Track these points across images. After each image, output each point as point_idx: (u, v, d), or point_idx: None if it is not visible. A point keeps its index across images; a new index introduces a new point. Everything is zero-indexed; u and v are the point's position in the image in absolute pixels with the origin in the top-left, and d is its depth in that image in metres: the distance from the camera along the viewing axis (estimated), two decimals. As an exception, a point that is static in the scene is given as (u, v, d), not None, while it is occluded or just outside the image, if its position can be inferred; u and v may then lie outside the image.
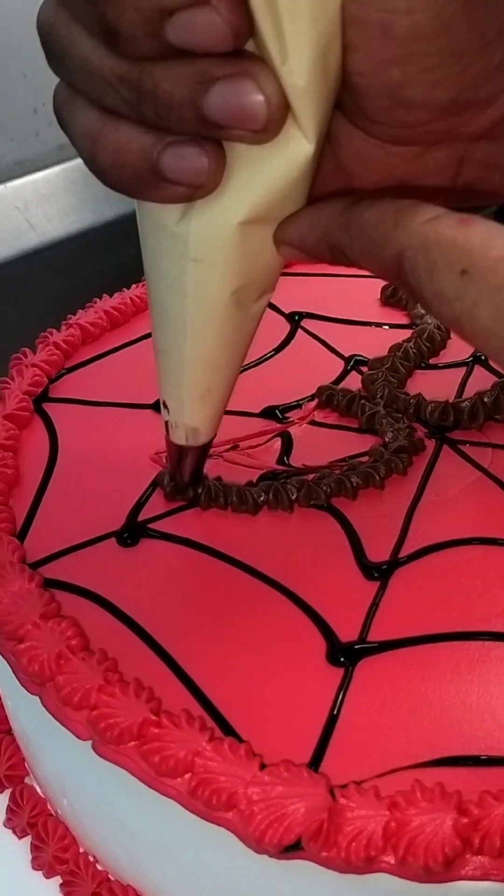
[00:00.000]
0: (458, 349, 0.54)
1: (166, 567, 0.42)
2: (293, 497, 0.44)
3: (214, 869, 0.35)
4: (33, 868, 0.44)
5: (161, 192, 0.29)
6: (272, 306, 0.57)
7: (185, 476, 0.40)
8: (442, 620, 0.38)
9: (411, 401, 0.49)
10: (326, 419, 0.50)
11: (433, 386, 0.51)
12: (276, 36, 0.26)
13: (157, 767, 0.33)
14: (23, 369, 0.54)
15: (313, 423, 0.49)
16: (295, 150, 0.28)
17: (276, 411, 0.50)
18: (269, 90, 0.26)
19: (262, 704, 0.36)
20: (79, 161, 0.30)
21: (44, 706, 0.37)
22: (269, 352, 0.54)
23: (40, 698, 0.37)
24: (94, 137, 0.28)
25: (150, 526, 0.44)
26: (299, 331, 0.56)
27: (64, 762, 0.41)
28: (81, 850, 0.43)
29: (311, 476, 0.45)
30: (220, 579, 0.41)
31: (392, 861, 0.31)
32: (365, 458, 0.46)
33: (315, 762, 0.33)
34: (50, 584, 0.41)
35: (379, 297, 0.58)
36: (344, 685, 0.36)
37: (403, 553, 0.41)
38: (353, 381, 0.51)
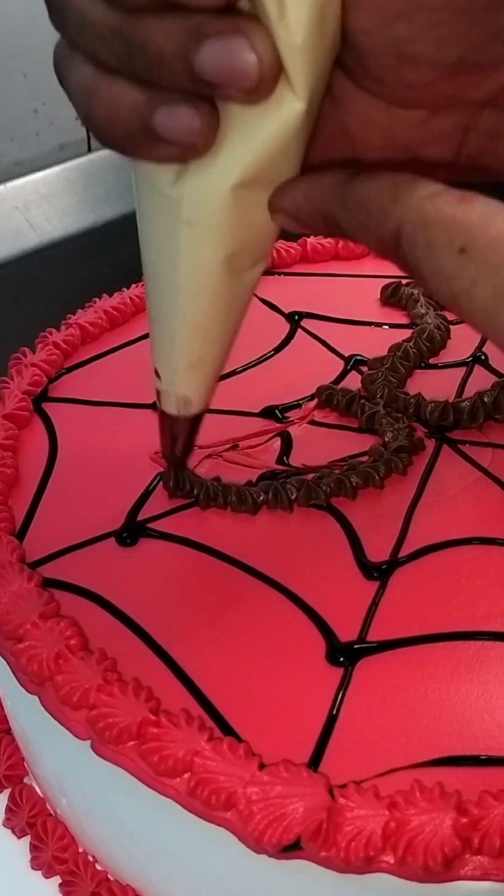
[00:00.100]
0: (457, 349, 0.54)
1: (165, 567, 0.42)
2: (293, 497, 0.44)
3: (213, 869, 0.35)
4: (32, 868, 0.44)
5: (153, 150, 0.28)
6: (272, 306, 0.58)
7: (176, 448, 0.39)
8: (441, 620, 0.38)
9: (411, 400, 0.49)
10: (326, 419, 0.50)
11: (433, 386, 0.51)
12: None
13: (156, 767, 0.33)
14: (22, 369, 0.54)
15: (313, 422, 0.49)
16: (287, 111, 0.28)
17: (276, 411, 0.50)
18: (261, 49, 0.26)
19: (262, 704, 0.36)
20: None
21: (43, 706, 0.37)
22: (269, 351, 0.54)
23: (39, 698, 0.37)
24: (89, 93, 0.28)
25: (150, 526, 0.44)
26: (299, 330, 0.56)
27: (63, 762, 0.41)
28: (80, 850, 0.43)
29: (310, 476, 0.45)
30: (220, 579, 0.41)
31: (391, 861, 0.31)
32: (365, 458, 0.46)
33: (314, 762, 0.33)
34: (49, 583, 0.41)
35: (379, 297, 0.58)
36: (343, 685, 0.36)
37: (403, 553, 0.41)
38: (353, 381, 0.51)
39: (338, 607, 0.39)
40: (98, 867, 0.42)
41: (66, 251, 0.97)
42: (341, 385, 0.51)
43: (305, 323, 0.57)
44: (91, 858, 0.43)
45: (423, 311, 0.56)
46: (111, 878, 0.42)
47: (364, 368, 0.52)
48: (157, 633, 0.38)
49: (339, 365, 0.53)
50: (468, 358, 0.53)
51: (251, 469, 0.46)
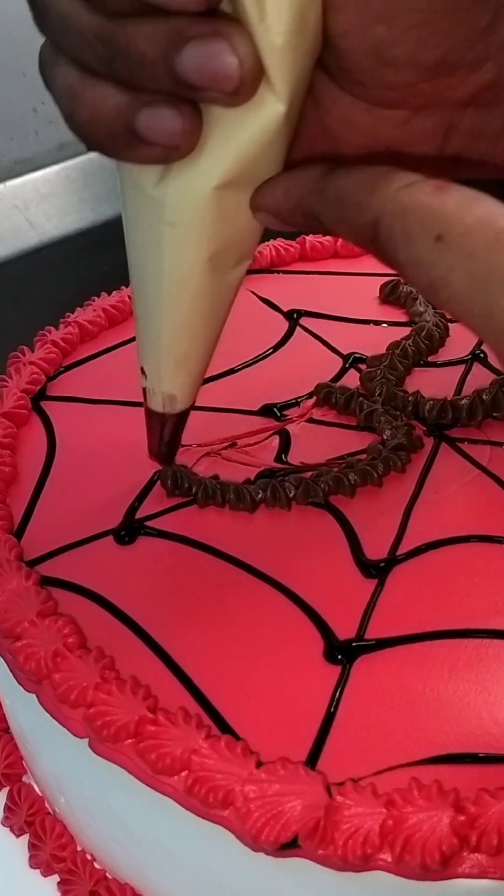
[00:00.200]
0: (456, 347, 0.54)
1: (163, 565, 0.42)
2: (291, 495, 0.44)
3: (211, 867, 0.35)
4: (31, 866, 0.44)
5: (136, 152, 0.28)
6: (271, 304, 0.58)
7: (162, 444, 0.40)
8: (440, 618, 0.38)
9: (410, 398, 0.49)
10: (325, 417, 0.49)
11: (432, 383, 0.51)
12: None
13: (154, 765, 0.33)
14: (21, 367, 0.54)
15: (311, 420, 0.49)
16: (269, 112, 0.28)
17: (275, 409, 0.50)
18: (242, 52, 0.26)
19: (259, 702, 0.36)
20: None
21: (40, 704, 0.37)
22: (268, 349, 0.54)
23: (37, 696, 0.37)
24: (72, 95, 0.28)
25: (148, 524, 0.44)
26: (298, 328, 0.56)
27: (61, 760, 0.40)
28: (79, 849, 0.43)
29: (309, 474, 0.45)
30: (218, 577, 0.41)
31: (389, 859, 0.31)
32: (363, 456, 0.46)
33: (312, 760, 0.33)
34: (47, 581, 0.41)
35: (377, 295, 0.58)
36: (341, 683, 0.36)
37: (401, 551, 0.41)
38: (352, 379, 0.51)
39: (336, 605, 0.39)
40: (96, 865, 0.42)
41: (65, 250, 0.97)
42: (340, 383, 0.51)
43: (304, 321, 0.57)
44: (89, 857, 0.43)
45: (421, 308, 0.56)
46: (109, 877, 0.42)
47: (363, 366, 0.52)
48: (155, 631, 0.38)
49: (338, 363, 0.53)
50: (467, 356, 0.53)
51: (249, 467, 0.46)
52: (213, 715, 0.35)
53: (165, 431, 0.39)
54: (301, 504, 0.44)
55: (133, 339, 0.56)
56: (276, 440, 0.48)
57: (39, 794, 0.46)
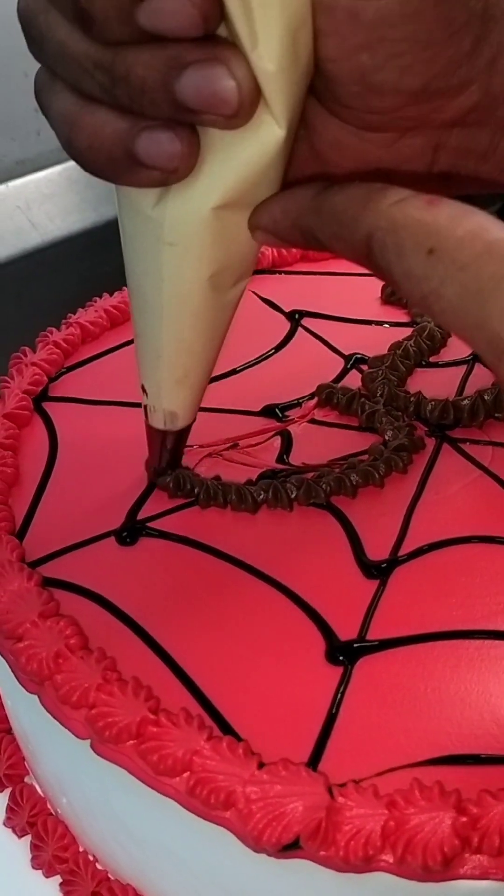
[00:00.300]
0: (458, 347, 0.54)
1: (165, 566, 0.42)
2: (293, 495, 0.44)
3: (213, 868, 0.35)
4: (33, 867, 0.44)
5: (136, 176, 0.29)
6: (272, 305, 0.58)
7: (163, 460, 0.40)
8: (441, 619, 0.38)
9: (411, 399, 0.49)
10: (326, 417, 0.49)
11: (433, 384, 0.50)
12: (246, 21, 0.26)
13: (156, 766, 0.33)
14: (23, 368, 0.54)
15: (313, 421, 0.49)
16: (266, 135, 0.28)
17: (276, 410, 0.50)
18: (240, 75, 0.26)
19: (261, 703, 0.36)
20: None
21: (42, 705, 0.37)
22: (269, 350, 0.54)
23: (39, 697, 0.37)
24: (71, 121, 0.29)
25: (150, 525, 0.44)
26: (299, 329, 0.56)
27: (63, 761, 0.40)
28: (81, 850, 0.43)
29: (310, 474, 0.45)
30: (220, 578, 0.41)
31: (391, 860, 0.31)
32: (365, 457, 0.46)
33: (313, 761, 0.33)
34: (49, 582, 0.41)
35: (379, 295, 0.58)
36: (343, 684, 0.36)
37: (403, 551, 0.41)
38: (354, 380, 0.51)
39: (337, 606, 0.39)
40: (98, 866, 0.42)
41: (67, 250, 0.97)
42: (341, 384, 0.51)
43: (306, 321, 0.57)
44: (91, 858, 0.43)
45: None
46: (111, 878, 0.42)
47: (364, 367, 0.52)
48: (157, 632, 0.38)
49: (340, 363, 0.53)
50: (469, 356, 0.53)
51: (251, 468, 0.46)
52: (214, 716, 0.35)
53: (166, 447, 0.39)
54: (303, 505, 0.44)
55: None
56: (277, 441, 0.48)
57: (41, 795, 0.46)
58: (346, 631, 0.38)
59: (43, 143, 1.00)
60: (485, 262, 0.25)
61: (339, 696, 0.36)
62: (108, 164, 0.29)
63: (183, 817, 0.33)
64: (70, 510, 0.45)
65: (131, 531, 0.43)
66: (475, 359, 0.53)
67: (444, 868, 0.30)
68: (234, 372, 0.52)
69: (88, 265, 0.93)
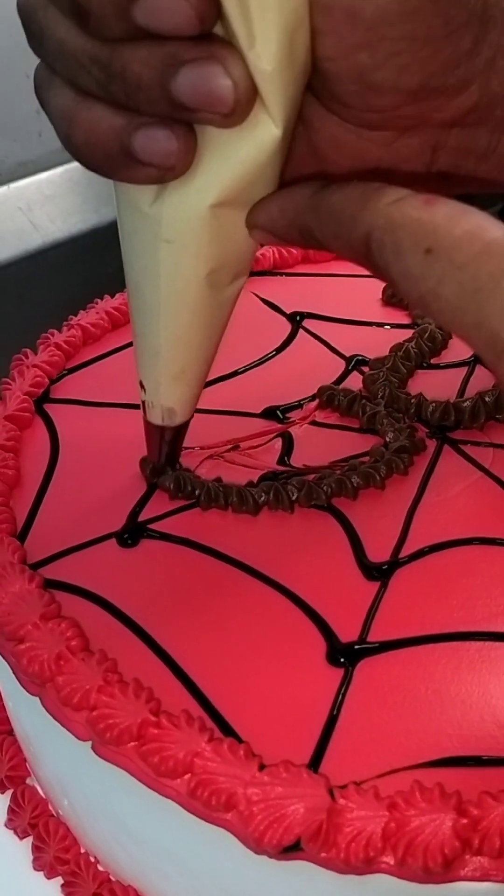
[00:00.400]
0: (459, 349, 0.54)
1: (166, 567, 0.42)
2: (294, 497, 0.44)
3: (214, 869, 0.35)
4: (34, 869, 0.44)
5: (132, 172, 0.29)
6: (273, 306, 0.58)
7: (161, 456, 0.40)
8: (442, 621, 0.38)
9: (412, 401, 0.49)
10: (327, 419, 0.49)
11: (434, 386, 0.51)
12: (244, 20, 0.26)
13: (157, 768, 0.33)
14: (24, 370, 0.54)
15: (314, 423, 0.49)
16: (263, 133, 0.29)
17: (277, 411, 0.50)
18: (236, 74, 0.27)
19: (262, 705, 0.36)
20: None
21: (44, 707, 0.37)
22: (271, 352, 0.54)
23: (40, 699, 0.37)
24: (69, 117, 0.29)
25: (151, 526, 0.44)
26: (300, 331, 0.56)
27: (64, 763, 0.41)
28: (82, 851, 0.43)
29: (311, 476, 0.45)
30: (221, 580, 0.41)
31: (391, 862, 0.31)
32: (366, 459, 0.46)
33: (314, 763, 0.33)
34: (50, 584, 0.41)
35: (380, 296, 0.58)
36: (344, 685, 0.36)
37: (404, 553, 0.41)
38: (355, 381, 0.51)
39: (338, 608, 0.39)
40: (100, 868, 0.42)
41: (69, 252, 0.97)
42: (342, 385, 0.51)
43: (307, 323, 0.57)
44: (93, 859, 0.43)
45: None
46: (113, 879, 0.42)
47: (365, 369, 0.52)
48: (158, 634, 0.38)
49: (341, 365, 0.53)
50: (469, 358, 0.53)
51: (252, 470, 0.46)
52: (215, 718, 0.35)
53: (165, 443, 0.39)
54: (304, 506, 0.44)
55: (136, 342, 0.56)
56: (278, 442, 0.48)
57: (43, 796, 0.46)
58: (347, 632, 0.38)
59: (44, 145, 1.00)
60: (483, 261, 0.25)
61: (340, 697, 0.36)
62: (105, 160, 0.29)
63: (184, 819, 0.33)
64: (71, 512, 0.45)
65: (132, 533, 0.43)
66: (476, 360, 0.53)
67: (444, 870, 0.30)
68: (235, 373, 0.52)
69: (89, 267, 0.93)
